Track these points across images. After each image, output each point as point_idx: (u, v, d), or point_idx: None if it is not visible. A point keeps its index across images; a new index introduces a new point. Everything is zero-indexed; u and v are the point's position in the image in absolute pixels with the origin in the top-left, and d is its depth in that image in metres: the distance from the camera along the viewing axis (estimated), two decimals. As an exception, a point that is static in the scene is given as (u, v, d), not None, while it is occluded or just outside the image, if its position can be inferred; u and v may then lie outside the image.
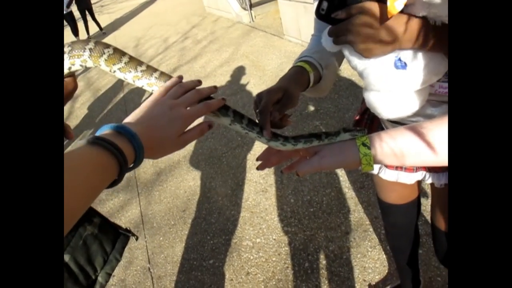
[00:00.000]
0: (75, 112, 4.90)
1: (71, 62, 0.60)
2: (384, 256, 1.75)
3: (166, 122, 0.52)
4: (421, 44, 0.61)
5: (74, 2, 8.56)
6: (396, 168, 0.99)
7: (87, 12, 9.14)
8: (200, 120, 0.56)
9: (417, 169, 0.97)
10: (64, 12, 8.19)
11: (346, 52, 0.72)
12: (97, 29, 9.59)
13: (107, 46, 0.60)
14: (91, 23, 9.28)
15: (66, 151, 0.41)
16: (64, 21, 8.56)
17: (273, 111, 0.65)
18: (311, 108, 3.14)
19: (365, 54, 0.66)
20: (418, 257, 1.43)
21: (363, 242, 1.85)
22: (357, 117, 1.08)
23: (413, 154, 0.54)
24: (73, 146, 3.20)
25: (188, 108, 0.54)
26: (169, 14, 9.58)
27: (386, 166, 1.01)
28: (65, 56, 0.59)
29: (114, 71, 0.61)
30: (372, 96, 0.81)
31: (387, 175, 1.02)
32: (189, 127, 0.55)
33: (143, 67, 0.60)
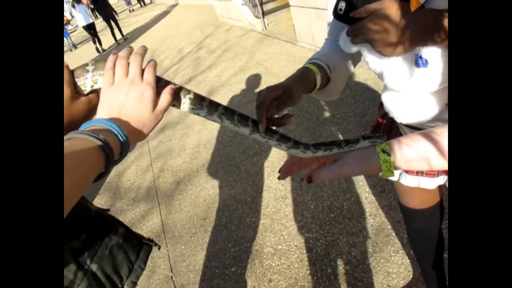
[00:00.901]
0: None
1: (94, 80, 0.61)
2: (408, 260, 1.72)
3: (136, 101, 0.51)
4: (444, 40, 0.60)
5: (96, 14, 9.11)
6: (417, 173, 0.98)
7: (111, 22, 10.01)
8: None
9: (438, 173, 0.95)
10: (87, 23, 9.04)
11: (365, 52, 0.71)
12: (121, 35, 10.51)
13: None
14: (116, 31, 10.18)
15: None
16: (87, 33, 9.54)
17: (270, 107, 0.65)
18: (328, 113, 3.13)
19: (384, 52, 0.65)
20: (444, 261, 1.40)
21: (385, 247, 1.82)
22: (375, 123, 1.07)
23: (427, 159, 0.55)
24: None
25: (143, 78, 0.54)
26: (182, 25, 9.74)
27: (407, 172, 1.00)
28: (89, 74, 0.61)
29: None
30: (391, 98, 0.81)
31: (408, 181, 1.00)
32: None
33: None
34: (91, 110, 0.70)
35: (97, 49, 9.65)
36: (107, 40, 10.42)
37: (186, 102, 0.60)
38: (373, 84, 3.28)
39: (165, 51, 7.61)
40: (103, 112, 0.52)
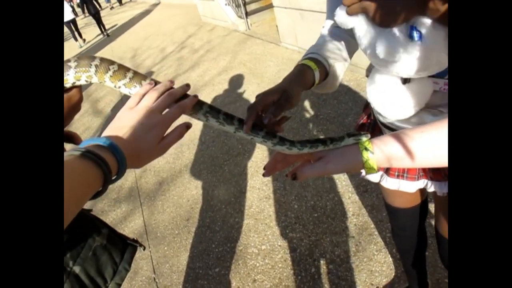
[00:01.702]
0: (74, 123, 4.90)
1: (76, 77, 0.60)
2: (391, 259, 1.75)
3: (144, 131, 0.52)
4: (440, 11, 0.59)
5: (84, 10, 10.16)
6: (398, 176, 0.99)
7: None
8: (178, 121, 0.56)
9: (418, 177, 0.96)
10: (68, 19, 9.41)
11: (359, 27, 0.70)
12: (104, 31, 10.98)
13: (112, 62, 0.60)
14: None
15: None
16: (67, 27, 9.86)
17: (267, 112, 0.64)
18: (311, 113, 3.15)
19: (380, 21, 0.64)
20: (425, 259, 1.43)
21: (368, 245, 1.85)
22: (359, 123, 1.08)
23: (398, 159, 0.56)
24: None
25: (163, 113, 0.54)
26: (165, 24, 9.64)
27: (388, 175, 1.01)
28: (71, 70, 0.59)
29: (119, 87, 0.61)
30: (375, 91, 0.82)
31: (389, 183, 1.01)
32: (167, 131, 0.55)
33: (148, 81, 0.61)
34: (73, 107, 0.68)
35: (80, 46, 9.88)
36: (89, 35, 10.31)
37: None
38: (356, 86, 3.32)
39: (147, 50, 7.52)
40: (110, 129, 0.52)
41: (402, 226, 1.27)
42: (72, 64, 0.59)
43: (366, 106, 1.07)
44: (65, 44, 11.48)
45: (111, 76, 0.60)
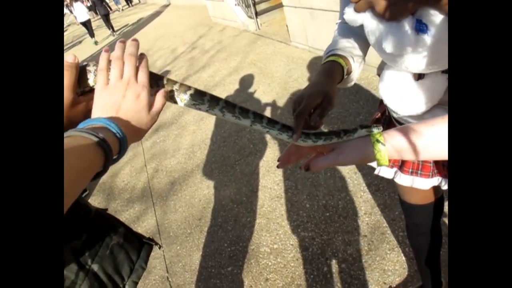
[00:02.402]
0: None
1: (85, 84, 0.61)
2: (404, 258, 1.74)
3: (132, 102, 0.52)
4: (445, 2, 0.60)
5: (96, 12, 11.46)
6: (411, 173, 0.99)
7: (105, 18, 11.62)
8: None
9: (433, 174, 0.96)
10: (84, 20, 10.48)
11: (366, 22, 0.71)
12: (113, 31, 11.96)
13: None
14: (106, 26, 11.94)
15: None
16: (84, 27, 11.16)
17: (313, 116, 0.65)
18: (322, 112, 3.14)
19: (385, 15, 0.65)
20: (440, 257, 1.42)
21: (381, 244, 1.84)
22: (374, 119, 1.09)
23: (407, 151, 0.57)
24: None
25: (138, 79, 0.54)
26: (175, 25, 9.71)
27: (402, 171, 1.01)
28: (91, 74, 0.61)
29: None
30: (387, 86, 0.83)
31: (402, 180, 1.02)
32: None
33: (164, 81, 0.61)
34: (90, 111, 0.70)
35: (95, 42, 10.89)
36: (101, 35, 10.54)
37: (187, 98, 0.61)
38: (367, 84, 3.30)
39: (158, 51, 7.58)
40: (100, 112, 0.52)
41: (417, 223, 1.27)
42: (91, 68, 0.60)
43: (381, 102, 1.07)
44: (83, 42, 12.51)
45: None
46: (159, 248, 1.10)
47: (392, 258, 1.76)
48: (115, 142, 0.47)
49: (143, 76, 0.55)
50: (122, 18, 16.09)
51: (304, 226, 2.10)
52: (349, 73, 0.82)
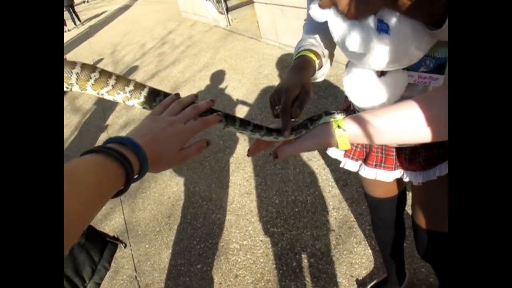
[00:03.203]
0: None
1: (80, 83, 0.58)
2: (370, 251, 1.78)
3: (167, 137, 0.53)
4: (408, 7, 0.62)
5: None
6: (375, 166, 1.02)
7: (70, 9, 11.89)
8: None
9: (395, 167, 0.99)
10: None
11: (331, 20, 0.73)
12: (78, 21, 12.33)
13: (94, 69, 0.58)
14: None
15: (74, 160, 0.42)
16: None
17: (293, 109, 0.67)
18: (292, 109, 3.17)
19: (348, 13, 0.66)
20: (403, 249, 1.47)
21: (348, 238, 1.88)
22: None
23: (367, 136, 0.60)
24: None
25: (186, 124, 0.56)
26: (144, 20, 9.50)
27: (366, 164, 1.04)
28: (73, 76, 0.57)
29: (102, 94, 0.59)
30: (350, 80, 0.85)
31: (367, 173, 1.04)
32: (187, 144, 0.57)
33: (131, 87, 0.60)
34: None
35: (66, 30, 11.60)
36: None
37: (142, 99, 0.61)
38: (336, 81, 3.35)
39: (126, 46, 7.40)
40: (133, 132, 0.54)
41: (381, 217, 1.30)
42: (77, 70, 0.57)
43: (346, 97, 1.09)
44: None
45: (92, 84, 0.58)
46: (125, 247, 1.08)
47: (359, 251, 1.80)
48: (136, 163, 0.48)
49: (195, 125, 0.57)
50: (88, 11, 15.58)
51: (274, 222, 2.12)
52: (320, 67, 0.84)
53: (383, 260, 1.54)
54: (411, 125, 0.56)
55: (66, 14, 11.86)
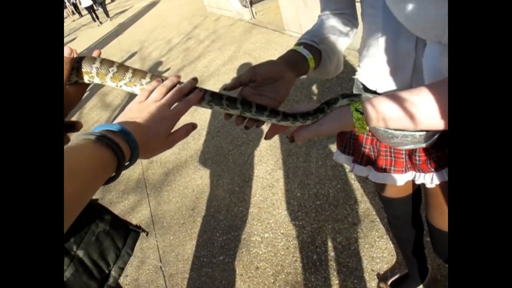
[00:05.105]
0: (83, 117, 4.97)
1: (80, 76, 0.62)
2: (392, 245, 1.76)
3: (155, 122, 0.54)
4: None
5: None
6: (385, 170, 0.98)
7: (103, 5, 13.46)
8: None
9: (406, 169, 0.96)
10: (88, 5, 12.73)
11: None
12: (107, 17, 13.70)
13: (112, 64, 0.62)
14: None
15: (67, 146, 0.43)
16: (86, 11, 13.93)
17: (249, 84, 0.66)
18: (315, 102, 3.14)
19: None
20: (425, 245, 1.44)
21: (370, 232, 1.86)
22: None
23: (394, 119, 0.58)
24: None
25: (172, 108, 0.57)
26: (170, 16, 9.63)
27: (375, 169, 1.00)
28: (74, 71, 0.61)
29: (121, 86, 0.63)
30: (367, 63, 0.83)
31: (376, 177, 1.00)
32: (175, 128, 0.58)
33: (147, 79, 0.63)
34: (71, 103, 0.70)
35: (98, 24, 13.03)
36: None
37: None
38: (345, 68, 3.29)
39: (153, 43, 7.53)
40: (122, 119, 0.54)
41: (396, 215, 1.28)
42: (74, 65, 0.61)
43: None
44: (88, 24, 14.37)
45: (111, 77, 0.62)
46: (146, 235, 1.12)
47: (381, 245, 1.78)
48: (127, 150, 0.49)
49: (180, 108, 0.58)
50: (118, 9, 15.97)
51: (295, 215, 2.12)
52: (317, 59, 0.78)
53: (403, 257, 1.52)
54: (426, 111, 0.55)
55: (99, 10, 12.77)
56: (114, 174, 0.48)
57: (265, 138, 0.71)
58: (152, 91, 0.59)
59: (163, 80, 0.61)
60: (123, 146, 0.48)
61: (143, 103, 0.57)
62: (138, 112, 0.55)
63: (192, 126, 0.60)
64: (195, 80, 0.63)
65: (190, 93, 0.61)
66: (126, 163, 0.50)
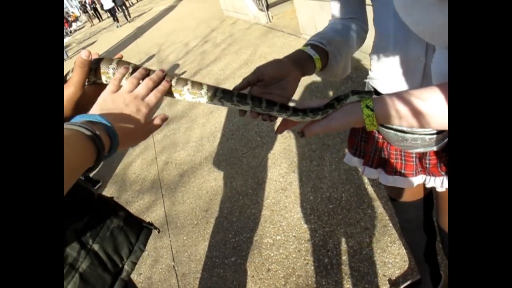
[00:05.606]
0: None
1: (98, 77, 0.65)
2: (404, 251, 1.75)
3: (132, 113, 0.56)
4: None
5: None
6: (395, 173, 0.98)
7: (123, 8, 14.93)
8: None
9: (416, 173, 0.95)
10: (109, 7, 14.04)
11: None
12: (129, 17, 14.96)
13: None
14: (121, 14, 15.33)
15: None
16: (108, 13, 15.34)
17: (257, 84, 0.68)
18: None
19: None
20: (437, 251, 1.42)
21: (382, 237, 1.85)
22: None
23: (405, 116, 0.58)
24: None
25: (146, 98, 0.59)
26: (188, 20, 9.75)
27: (385, 172, 1.00)
28: (92, 72, 0.65)
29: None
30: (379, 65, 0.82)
31: (386, 180, 1.01)
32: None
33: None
34: (76, 103, 0.72)
35: (117, 26, 14.35)
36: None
37: (185, 92, 0.65)
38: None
39: (171, 46, 7.64)
40: (100, 111, 0.55)
41: (408, 219, 1.27)
42: (114, 65, 0.64)
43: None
44: (107, 28, 15.31)
45: (127, 77, 0.64)
46: (158, 232, 1.15)
47: (393, 250, 1.77)
48: (107, 141, 0.50)
49: (152, 98, 0.60)
50: (136, 13, 16.25)
51: (307, 218, 2.13)
52: (324, 59, 0.78)
53: (415, 262, 1.50)
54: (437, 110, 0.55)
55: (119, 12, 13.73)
56: (93, 165, 0.48)
57: (276, 132, 0.72)
58: (121, 79, 0.60)
59: (132, 69, 0.63)
60: (104, 137, 0.48)
61: (117, 94, 0.58)
62: (113, 102, 0.56)
63: (164, 118, 0.63)
64: (162, 71, 0.64)
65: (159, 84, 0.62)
66: (106, 154, 0.50)
